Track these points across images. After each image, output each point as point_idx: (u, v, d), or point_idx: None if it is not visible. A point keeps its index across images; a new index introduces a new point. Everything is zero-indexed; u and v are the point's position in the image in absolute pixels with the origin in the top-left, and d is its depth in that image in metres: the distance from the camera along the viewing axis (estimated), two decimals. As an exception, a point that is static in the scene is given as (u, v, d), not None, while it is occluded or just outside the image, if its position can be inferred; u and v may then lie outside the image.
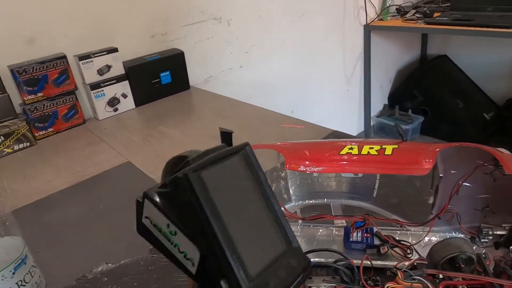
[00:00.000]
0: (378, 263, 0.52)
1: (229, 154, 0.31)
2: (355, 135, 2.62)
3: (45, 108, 1.18)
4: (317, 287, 0.47)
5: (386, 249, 0.54)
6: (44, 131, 1.19)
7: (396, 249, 0.54)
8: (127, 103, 1.34)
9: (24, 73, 1.11)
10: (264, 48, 1.85)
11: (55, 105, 1.19)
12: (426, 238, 0.56)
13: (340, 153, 0.53)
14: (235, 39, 1.72)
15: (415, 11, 2.22)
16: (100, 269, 0.63)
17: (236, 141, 0.65)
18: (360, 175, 0.65)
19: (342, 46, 2.27)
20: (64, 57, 1.18)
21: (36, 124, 1.17)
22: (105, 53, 1.25)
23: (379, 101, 2.75)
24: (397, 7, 2.30)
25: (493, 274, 0.44)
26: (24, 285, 0.52)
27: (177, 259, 0.29)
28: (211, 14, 1.59)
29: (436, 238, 0.56)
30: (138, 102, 1.36)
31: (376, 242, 0.55)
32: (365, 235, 0.56)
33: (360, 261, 0.47)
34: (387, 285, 0.44)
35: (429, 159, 0.49)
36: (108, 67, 1.27)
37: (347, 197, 0.66)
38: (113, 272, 0.62)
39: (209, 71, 1.67)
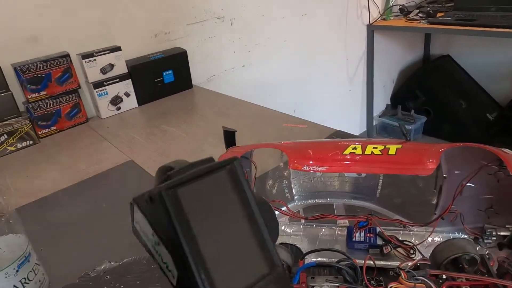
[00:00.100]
0: (381, 263, 0.52)
1: (213, 169, 0.29)
2: (357, 134, 2.62)
3: (48, 106, 1.18)
4: (319, 286, 0.47)
5: (389, 249, 0.54)
6: (47, 129, 1.20)
7: (399, 249, 0.54)
8: (130, 102, 1.34)
9: (27, 72, 1.11)
10: (267, 48, 1.85)
11: (58, 103, 1.20)
12: (429, 239, 0.56)
13: (344, 152, 0.53)
14: (238, 38, 1.72)
15: (418, 11, 2.22)
16: (103, 267, 0.63)
17: (239, 140, 0.65)
18: (363, 175, 0.65)
19: (345, 46, 2.27)
20: (68, 55, 1.18)
21: (39, 122, 1.17)
22: (108, 51, 1.25)
23: (381, 101, 2.75)
24: (400, 7, 2.30)
25: (496, 275, 0.44)
26: (28, 283, 0.52)
27: (161, 268, 0.29)
28: (214, 13, 1.59)
29: (439, 239, 0.56)
30: (141, 101, 1.37)
31: (379, 242, 0.55)
32: (368, 235, 0.56)
33: (363, 261, 0.47)
34: (390, 285, 0.44)
35: (433, 159, 0.49)
36: (111, 65, 1.27)
37: (350, 197, 0.66)
38: (116, 270, 0.62)
39: (212, 70, 1.67)
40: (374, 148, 0.52)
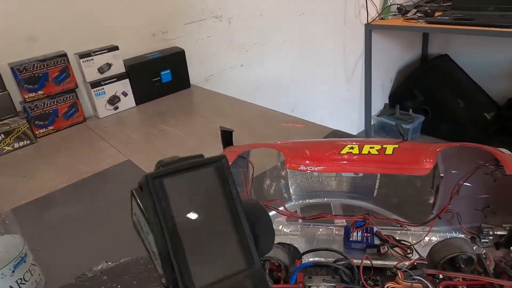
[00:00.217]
0: (378, 262, 0.52)
1: (201, 164, 0.30)
2: (355, 134, 2.62)
3: (45, 106, 1.17)
4: (316, 286, 0.47)
5: (386, 249, 0.54)
6: (44, 129, 1.19)
7: (396, 249, 0.54)
8: (128, 102, 1.34)
9: (24, 71, 1.11)
10: (265, 47, 1.85)
11: (55, 103, 1.19)
12: (426, 238, 0.56)
13: (341, 152, 0.53)
14: (236, 37, 1.71)
15: (416, 10, 2.22)
16: (100, 267, 0.63)
17: (237, 140, 0.65)
18: (360, 174, 0.65)
19: (343, 45, 2.27)
20: (65, 55, 1.18)
21: (36, 122, 1.17)
22: (105, 51, 1.25)
23: (379, 100, 2.75)
24: (398, 6, 2.30)
25: (493, 275, 0.44)
26: (24, 283, 0.52)
27: (151, 258, 0.29)
28: (212, 13, 1.59)
29: (436, 238, 0.56)
30: (139, 100, 1.36)
31: (376, 241, 0.55)
32: (365, 234, 0.56)
33: (360, 261, 0.47)
34: (387, 285, 0.44)
35: (430, 159, 0.49)
36: (109, 65, 1.27)
37: (347, 197, 0.66)
38: (113, 271, 0.62)
39: (210, 69, 1.67)
40: (371, 148, 0.52)
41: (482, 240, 0.53)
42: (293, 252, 0.55)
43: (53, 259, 0.66)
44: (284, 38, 1.92)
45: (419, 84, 2.62)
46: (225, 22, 1.65)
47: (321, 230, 0.61)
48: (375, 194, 0.65)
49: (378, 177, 0.64)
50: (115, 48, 1.27)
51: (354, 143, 0.54)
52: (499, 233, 0.52)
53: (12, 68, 1.10)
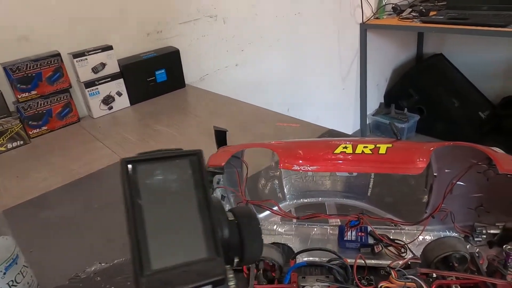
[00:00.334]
0: (372, 262, 0.52)
1: (176, 155, 0.31)
2: (350, 133, 2.62)
3: (39, 106, 1.17)
4: (310, 286, 0.47)
5: (380, 248, 0.54)
6: (38, 129, 1.18)
7: (390, 248, 0.54)
8: (122, 101, 1.33)
9: (17, 71, 1.10)
10: (260, 47, 1.85)
11: (49, 103, 1.18)
12: (420, 237, 0.56)
13: (334, 152, 0.52)
14: (231, 37, 1.71)
15: (411, 9, 2.23)
16: (93, 268, 0.63)
17: (232, 139, 0.65)
18: (354, 174, 0.65)
19: (338, 45, 2.27)
20: (58, 54, 1.17)
21: (30, 122, 1.16)
22: (99, 51, 1.24)
23: (375, 100, 2.76)
24: (393, 5, 2.30)
25: (486, 273, 0.44)
26: (16, 285, 0.52)
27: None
28: (207, 12, 1.59)
29: (430, 237, 0.56)
30: (133, 100, 1.36)
31: (370, 241, 0.55)
32: (360, 234, 0.56)
33: (354, 260, 0.47)
34: (380, 284, 0.44)
35: (423, 158, 0.49)
36: (103, 65, 1.26)
37: (341, 196, 0.66)
38: (106, 272, 0.62)
39: (205, 69, 1.66)
40: (364, 147, 0.52)
41: (476, 239, 0.53)
42: (287, 252, 0.55)
43: (46, 260, 0.66)
44: (279, 38, 1.92)
45: (414, 84, 2.63)
46: (220, 21, 1.65)
47: (315, 229, 0.61)
48: (369, 194, 0.65)
49: (372, 176, 0.64)
50: (109, 47, 1.26)
51: (347, 143, 0.54)
52: (492, 231, 0.52)
53: (5, 68, 1.09)
